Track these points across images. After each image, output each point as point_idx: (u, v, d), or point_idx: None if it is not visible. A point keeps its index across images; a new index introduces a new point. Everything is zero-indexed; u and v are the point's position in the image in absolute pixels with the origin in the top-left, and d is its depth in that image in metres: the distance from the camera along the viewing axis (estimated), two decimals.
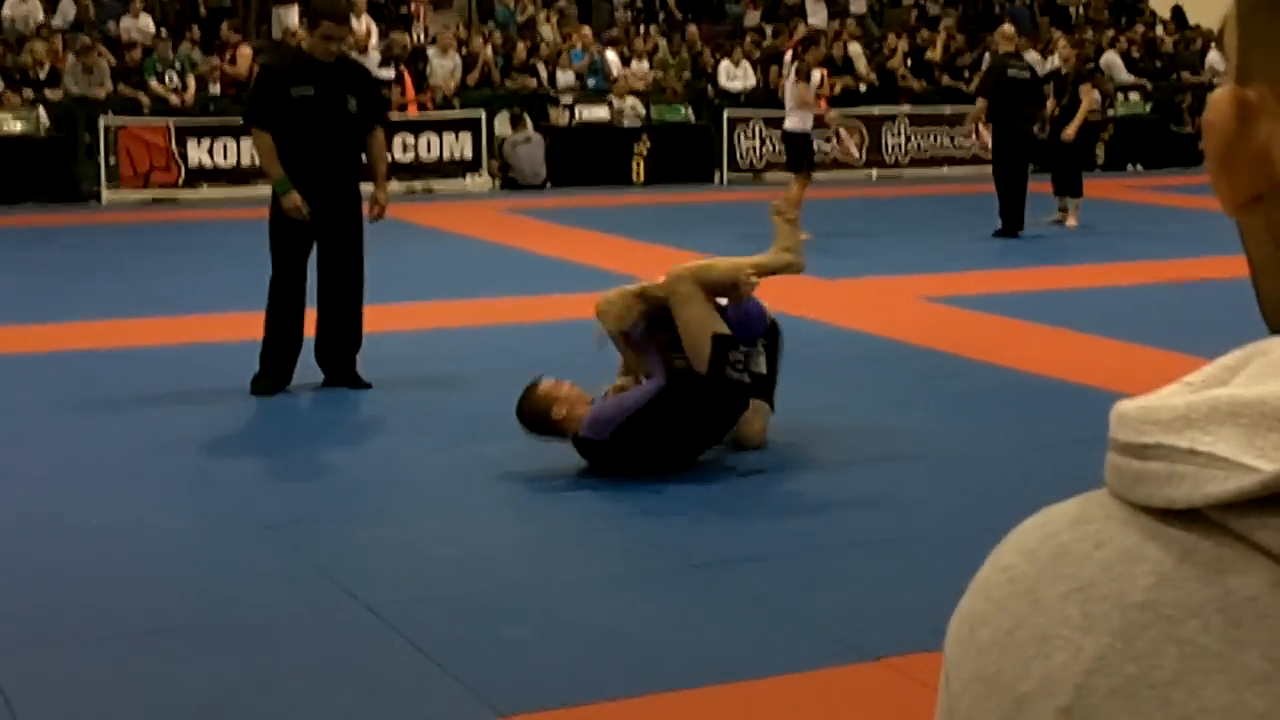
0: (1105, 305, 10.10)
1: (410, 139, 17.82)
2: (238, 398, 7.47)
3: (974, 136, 19.38)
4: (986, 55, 17.85)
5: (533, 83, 19.35)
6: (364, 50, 18.42)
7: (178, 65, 17.78)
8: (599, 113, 18.81)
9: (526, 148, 18.12)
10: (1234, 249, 0.65)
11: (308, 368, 7.67)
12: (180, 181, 16.71)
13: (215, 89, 18.08)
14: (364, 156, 7.81)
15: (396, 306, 9.66)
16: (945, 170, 19.67)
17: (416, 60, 19.02)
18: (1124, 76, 21.29)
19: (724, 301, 6.37)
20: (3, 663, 4.27)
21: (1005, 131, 13.76)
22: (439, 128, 18.06)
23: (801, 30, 18.42)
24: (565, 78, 19.41)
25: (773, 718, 3.97)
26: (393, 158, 17.58)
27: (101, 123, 16.46)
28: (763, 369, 6.55)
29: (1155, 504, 0.57)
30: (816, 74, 13.91)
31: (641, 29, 21.68)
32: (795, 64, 13.57)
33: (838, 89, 18.43)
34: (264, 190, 7.73)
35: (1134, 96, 21.13)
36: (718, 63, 20.21)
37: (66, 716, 4.01)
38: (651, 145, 18.72)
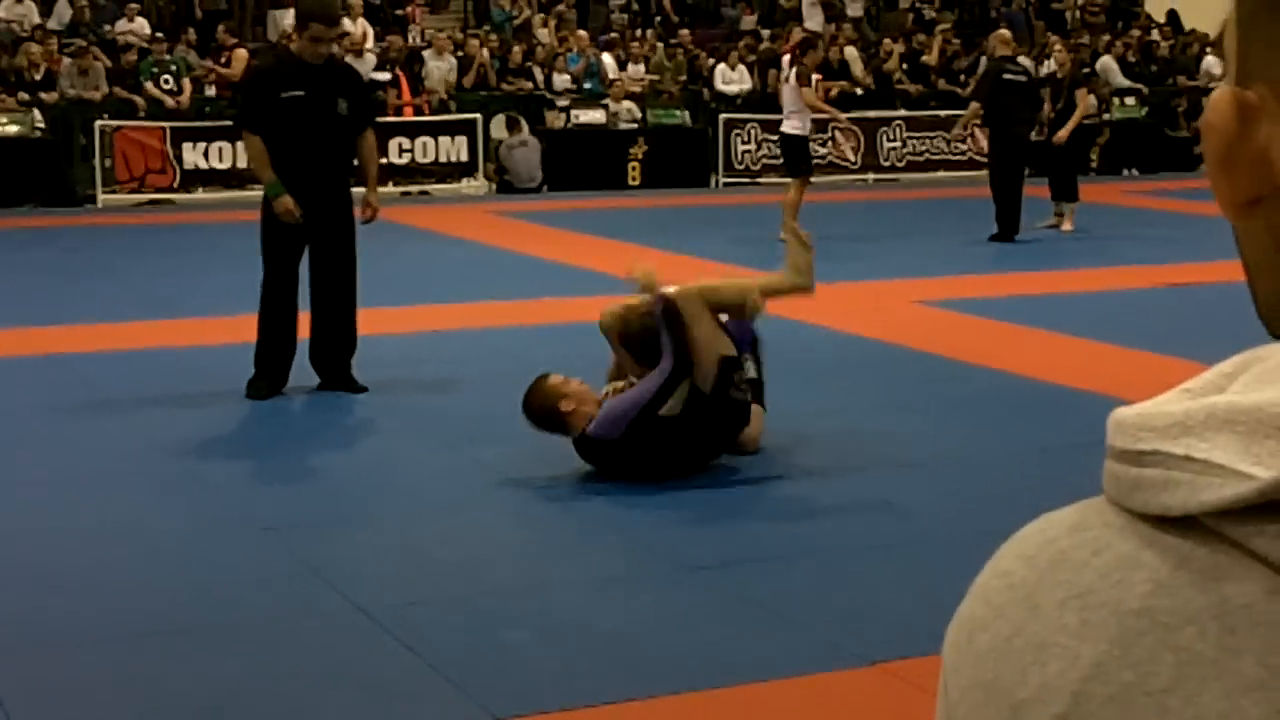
0: (1101, 309, 10.11)
1: (406, 142, 17.82)
2: (234, 400, 7.47)
3: (968, 141, 19.40)
4: (983, 59, 17.85)
5: (529, 86, 19.36)
6: (360, 53, 18.43)
7: (173, 68, 17.77)
8: (595, 116, 18.82)
9: (522, 151, 18.12)
10: (1230, 253, 0.65)
11: (303, 371, 7.66)
12: (176, 184, 16.71)
13: (211, 92, 18.08)
14: (355, 159, 7.80)
15: (392, 310, 9.65)
16: (941, 174, 19.68)
17: (412, 63, 19.02)
18: (1120, 81, 21.31)
19: (724, 317, 6.37)
20: None
21: (1002, 136, 13.78)
22: (435, 131, 18.05)
23: (797, 34, 18.43)
24: (561, 81, 19.41)
25: None
26: (388, 160, 17.58)
27: (97, 125, 16.45)
28: (753, 373, 6.57)
29: (1152, 511, 0.57)
30: (812, 79, 13.92)
31: (638, 32, 21.69)
32: (795, 68, 13.59)
33: (834, 93, 18.43)
34: (259, 193, 7.72)
35: (1130, 101, 21.15)
36: (714, 66, 20.22)
37: (62, 718, 4.01)
38: (647, 149, 18.73)
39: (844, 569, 5.12)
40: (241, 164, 16.02)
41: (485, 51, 19.44)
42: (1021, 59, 16.14)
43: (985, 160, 15.59)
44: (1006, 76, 13.76)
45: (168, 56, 17.91)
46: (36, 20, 18.70)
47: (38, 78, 17.09)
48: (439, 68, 18.84)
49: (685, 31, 21.65)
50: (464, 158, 18.15)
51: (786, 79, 13.79)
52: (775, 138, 16.82)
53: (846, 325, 9.10)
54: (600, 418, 6.03)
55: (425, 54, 19.23)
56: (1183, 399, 0.59)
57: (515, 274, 11.68)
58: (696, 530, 5.56)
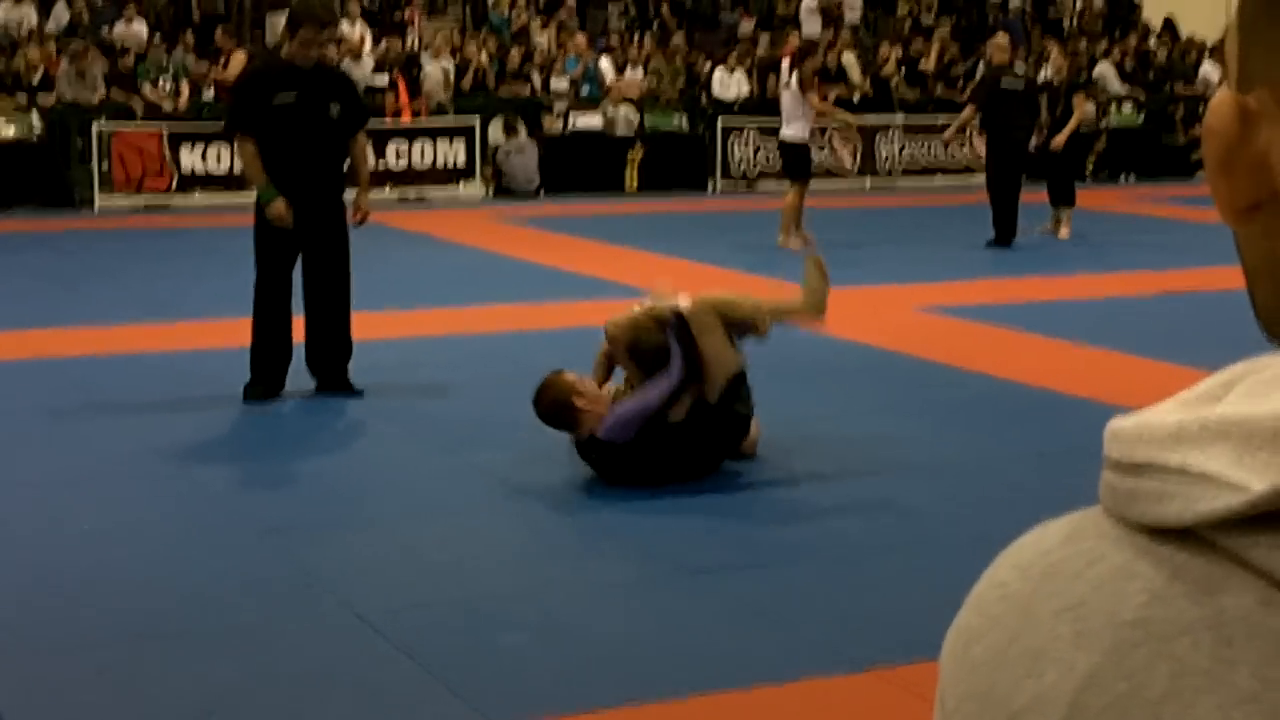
0: (1098, 315, 10.12)
1: (404, 146, 17.82)
2: (231, 404, 7.47)
3: (966, 146, 19.42)
4: (980, 65, 17.88)
5: (526, 90, 19.36)
6: (358, 56, 18.43)
7: (171, 71, 17.77)
8: (593, 121, 18.82)
9: (520, 155, 18.12)
10: (1227, 259, 0.65)
11: (300, 375, 7.66)
12: (173, 187, 16.70)
13: (209, 95, 18.07)
14: (347, 162, 7.80)
15: (389, 314, 9.65)
16: (939, 180, 19.69)
17: (410, 67, 19.02)
18: (1117, 87, 21.33)
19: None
20: None
21: (999, 141, 13.79)
22: (432, 135, 18.06)
23: (795, 39, 18.44)
24: (559, 85, 19.42)
25: None
26: (386, 165, 17.59)
27: (95, 128, 16.44)
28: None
29: (1147, 522, 0.57)
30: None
31: (636, 37, 21.70)
32: (795, 73, 13.62)
33: (831, 98, 18.44)
34: (255, 197, 7.72)
35: (1127, 107, 21.17)
36: (711, 71, 20.23)
37: None
38: (645, 153, 18.73)
39: (842, 573, 5.12)
40: (239, 167, 16.02)
41: (483, 55, 19.45)
42: (1018, 65, 16.17)
43: (983, 166, 15.60)
44: (1004, 83, 13.77)
45: (166, 59, 17.90)
46: (34, 22, 18.69)
47: (35, 80, 17.09)
48: (437, 72, 18.84)
49: (679, 37, 21.65)
50: (461, 162, 18.15)
51: (787, 85, 13.82)
52: (773, 143, 16.85)
53: (844, 330, 9.10)
54: (610, 422, 6.02)
55: (423, 58, 19.23)
56: (1178, 410, 0.59)
57: (512, 279, 11.68)
58: (694, 534, 5.56)
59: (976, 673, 0.59)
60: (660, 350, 6.16)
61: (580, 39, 20.28)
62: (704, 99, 19.96)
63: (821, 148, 18.53)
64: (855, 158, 19.51)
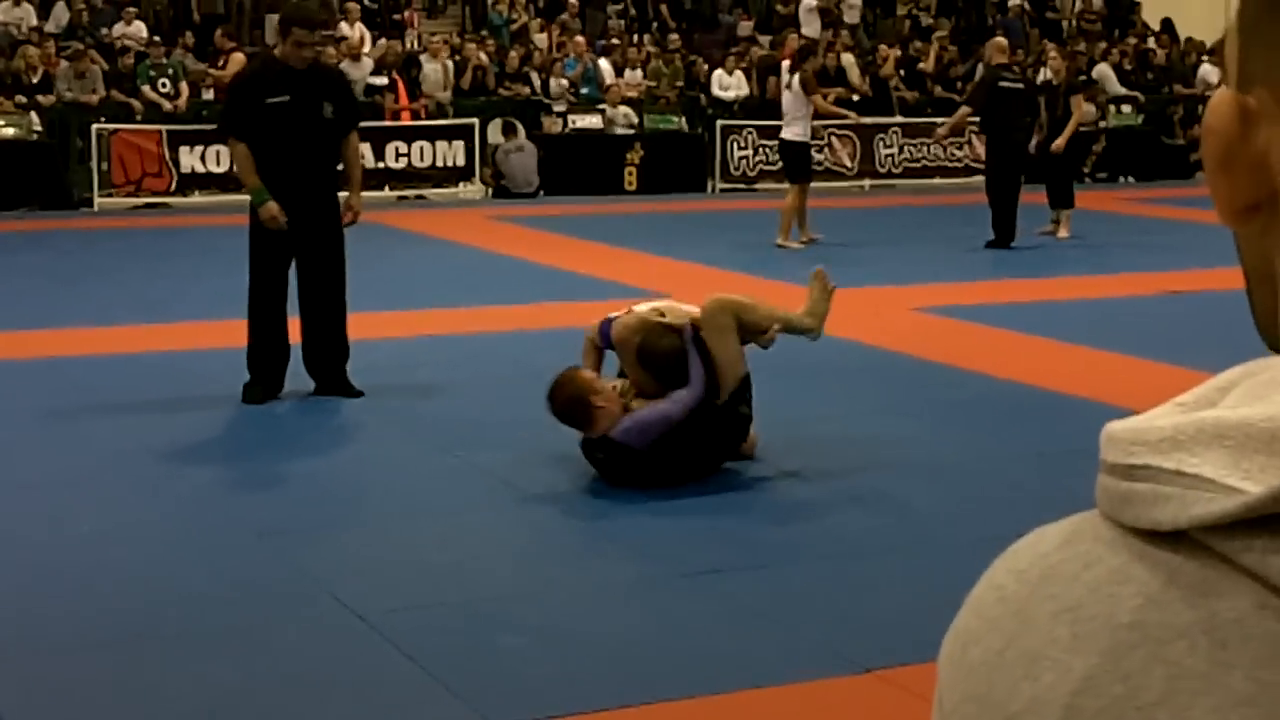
0: (1097, 316, 10.12)
1: (403, 146, 17.82)
2: (229, 405, 7.46)
3: (965, 146, 19.42)
4: (980, 66, 17.87)
5: (526, 91, 19.36)
6: (357, 57, 18.43)
7: (170, 71, 17.77)
8: (592, 121, 18.82)
9: (519, 156, 18.12)
10: (1225, 260, 0.65)
11: (299, 376, 7.66)
12: (172, 188, 16.70)
13: (208, 95, 18.07)
14: (340, 162, 7.79)
15: (388, 314, 9.66)
16: (938, 181, 19.70)
17: (409, 67, 19.02)
18: (1116, 89, 21.34)
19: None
20: None
21: (999, 143, 13.80)
22: (432, 135, 18.06)
23: (794, 40, 18.44)
24: (558, 86, 19.42)
25: None
26: (385, 165, 17.60)
27: (94, 128, 16.44)
28: None
29: (1143, 525, 0.57)
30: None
31: (635, 38, 21.70)
32: (797, 75, 13.64)
33: (830, 99, 18.45)
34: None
35: (1126, 109, 21.17)
36: (710, 72, 20.23)
37: None
38: (644, 154, 18.73)
39: (841, 574, 5.12)
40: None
41: (483, 55, 19.44)
42: (1016, 66, 16.17)
43: (981, 167, 15.61)
44: (1002, 84, 13.78)
45: (165, 60, 17.90)
46: (34, 23, 18.69)
47: (35, 80, 17.09)
48: (436, 72, 18.84)
49: (672, 36, 21.66)
50: (460, 162, 18.15)
51: (788, 86, 13.83)
52: (772, 143, 16.85)
53: (844, 331, 9.09)
54: (628, 425, 6.00)
55: (422, 58, 19.23)
56: (1175, 413, 0.59)
57: (511, 279, 11.68)
58: (694, 535, 5.56)
59: (974, 675, 0.59)
60: (671, 357, 6.17)
61: (580, 40, 20.28)
62: (703, 100, 19.96)
63: (821, 149, 18.53)
64: (854, 159, 19.50)
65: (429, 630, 4.56)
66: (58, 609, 4.73)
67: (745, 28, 22.88)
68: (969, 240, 13.85)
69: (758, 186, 18.73)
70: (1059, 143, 14.18)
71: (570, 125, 18.79)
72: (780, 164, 14.88)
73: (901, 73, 21.11)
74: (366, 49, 19.00)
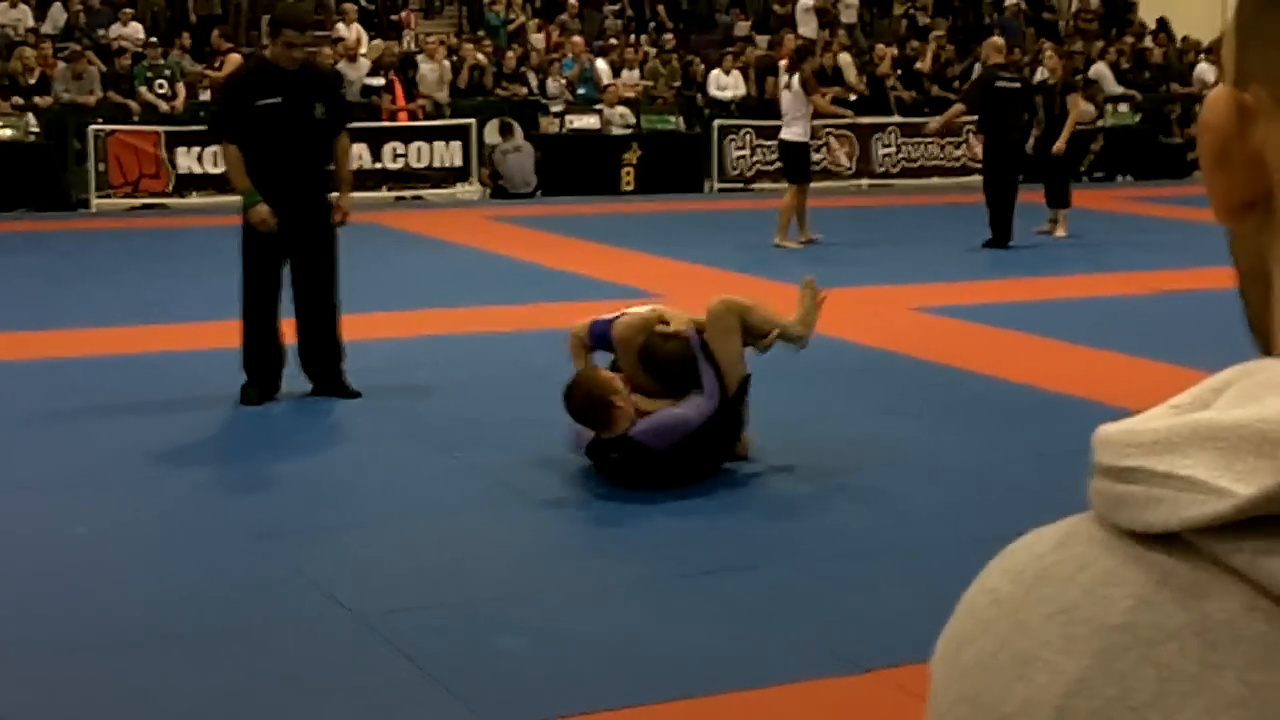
0: (1094, 316, 10.12)
1: (400, 147, 17.81)
2: (227, 406, 7.46)
3: (962, 146, 19.43)
4: (976, 66, 17.88)
5: (523, 91, 19.36)
6: (353, 58, 18.42)
7: (167, 72, 17.76)
8: (589, 121, 18.82)
9: (516, 156, 18.12)
10: (1222, 259, 0.65)
11: (297, 377, 7.65)
12: (170, 188, 16.69)
13: (205, 96, 18.06)
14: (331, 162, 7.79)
15: (386, 314, 9.66)
16: (935, 180, 19.70)
17: (406, 68, 19.02)
18: (1113, 88, 21.34)
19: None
20: None
21: (996, 142, 13.80)
22: (429, 136, 18.05)
23: (790, 40, 18.45)
24: (555, 86, 19.42)
25: None
26: (383, 166, 17.59)
27: (91, 130, 16.43)
28: None
29: (1135, 527, 0.57)
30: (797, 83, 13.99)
31: (632, 38, 21.70)
32: (796, 75, 13.65)
33: (828, 98, 18.46)
34: None
35: (1123, 108, 21.18)
36: (708, 72, 20.23)
37: None
38: (641, 154, 18.73)
39: (840, 574, 5.12)
40: None
41: (480, 55, 19.43)
42: (1013, 66, 16.17)
43: (979, 166, 15.61)
44: (999, 84, 13.78)
45: (162, 61, 17.89)
46: (31, 24, 18.68)
47: (32, 82, 17.08)
48: (433, 73, 18.84)
49: (666, 36, 21.66)
50: (458, 163, 18.15)
51: (787, 86, 13.85)
52: (769, 143, 16.85)
53: (842, 331, 9.10)
54: (647, 426, 6.00)
55: (419, 59, 19.23)
56: (1168, 415, 0.59)
57: (509, 279, 11.68)
58: (692, 536, 5.56)
59: (967, 677, 0.59)
60: (675, 361, 6.18)
61: (577, 40, 20.28)
62: (700, 100, 19.96)
63: (818, 149, 18.54)
64: (851, 158, 19.50)
65: (427, 631, 4.56)
66: (56, 610, 4.73)
67: (742, 27, 22.89)
68: (966, 240, 13.85)
69: (755, 186, 18.73)
70: (1059, 145, 14.19)
71: (567, 125, 18.78)
72: (779, 164, 14.90)
73: (898, 72, 21.12)
74: (363, 49, 18.99)
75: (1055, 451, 6.40)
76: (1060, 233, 14.50)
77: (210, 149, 16.59)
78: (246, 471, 6.53)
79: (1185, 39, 23.55)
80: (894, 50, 21.46)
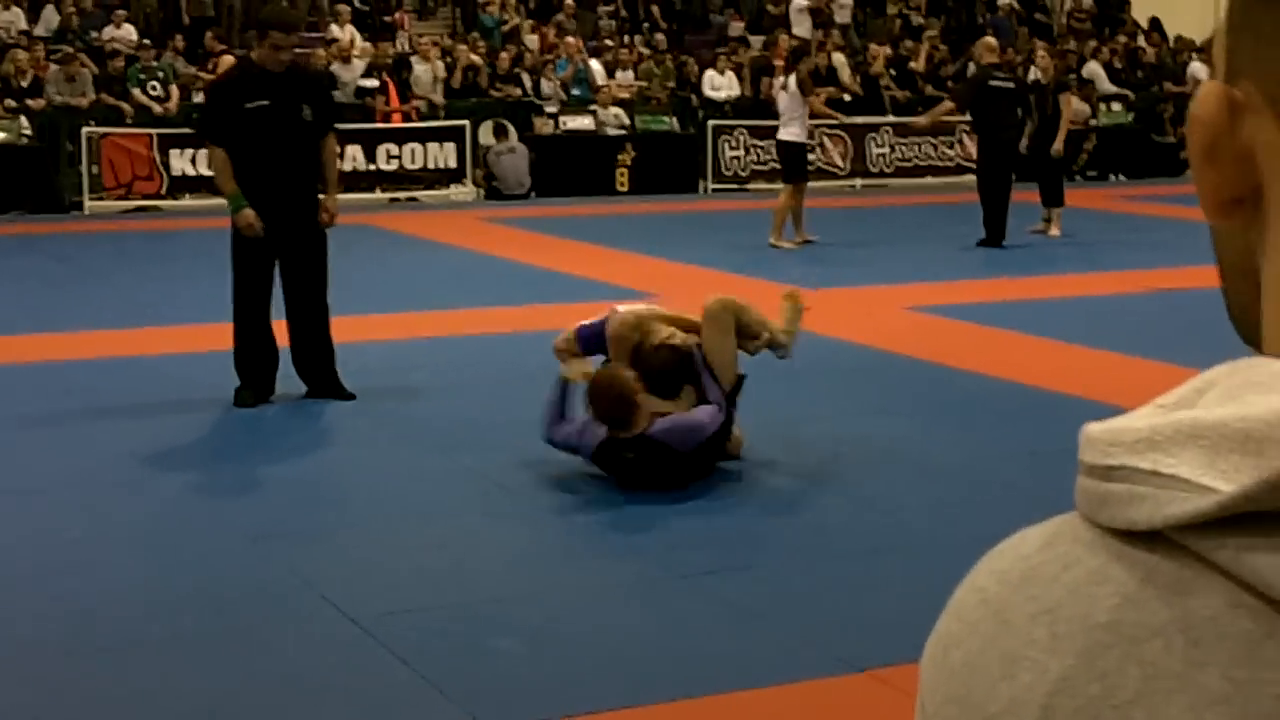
0: (1088, 314, 10.13)
1: (394, 148, 17.81)
2: (220, 409, 7.46)
3: (956, 146, 19.45)
4: (970, 65, 17.89)
5: (517, 92, 19.35)
6: (347, 59, 18.41)
7: (161, 74, 17.75)
8: (583, 122, 18.82)
9: (510, 157, 18.11)
10: (1215, 257, 0.65)
11: (291, 379, 7.65)
12: (163, 191, 16.68)
13: (198, 98, 18.03)
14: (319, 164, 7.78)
15: (380, 316, 9.65)
16: (929, 180, 19.71)
17: (400, 69, 19.01)
18: (1106, 87, 21.37)
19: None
20: None
21: (989, 142, 13.82)
22: (423, 137, 18.05)
23: (785, 41, 18.46)
24: (550, 87, 19.41)
25: None
26: (377, 167, 17.59)
27: (84, 132, 16.42)
28: None
29: (1119, 525, 0.58)
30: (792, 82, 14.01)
31: (626, 39, 21.70)
32: (793, 75, 13.67)
33: (822, 98, 18.47)
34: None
35: (1116, 107, 21.20)
36: (702, 72, 20.24)
37: None
38: (636, 155, 18.73)
39: (835, 574, 5.13)
40: None
41: (474, 56, 19.42)
42: (1007, 65, 16.19)
43: (973, 166, 15.63)
44: (993, 84, 13.80)
45: (155, 63, 17.88)
46: (23, 26, 18.66)
47: (25, 84, 17.06)
48: (427, 74, 18.83)
49: (658, 35, 21.65)
50: (452, 164, 18.15)
51: (784, 86, 13.87)
52: (764, 144, 16.87)
53: (836, 330, 9.10)
54: (667, 426, 6.01)
55: (413, 60, 19.22)
56: (1153, 414, 0.59)
57: (504, 280, 11.68)
58: (688, 536, 5.56)
59: (955, 677, 0.59)
60: (669, 368, 6.18)
61: (571, 41, 20.28)
62: (694, 100, 19.97)
63: (812, 149, 18.55)
64: (846, 158, 19.51)
65: (423, 633, 4.56)
66: (52, 611, 4.72)
67: (736, 28, 22.89)
68: (960, 239, 13.86)
69: (750, 186, 18.73)
70: (1057, 145, 14.22)
71: (562, 126, 18.78)
72: (774, 164, 14.92)
73: (892, 72, 21.13)
74: (357, 51, 18.98)
75: (1049, 450, 6.39)
76: (1054, 232, 14.52)
77: (203, 151, 16.57)
78: (241, 474, 6.53)
79: (1178, 38, 23.58)
80: (888, 50, 21.48)
